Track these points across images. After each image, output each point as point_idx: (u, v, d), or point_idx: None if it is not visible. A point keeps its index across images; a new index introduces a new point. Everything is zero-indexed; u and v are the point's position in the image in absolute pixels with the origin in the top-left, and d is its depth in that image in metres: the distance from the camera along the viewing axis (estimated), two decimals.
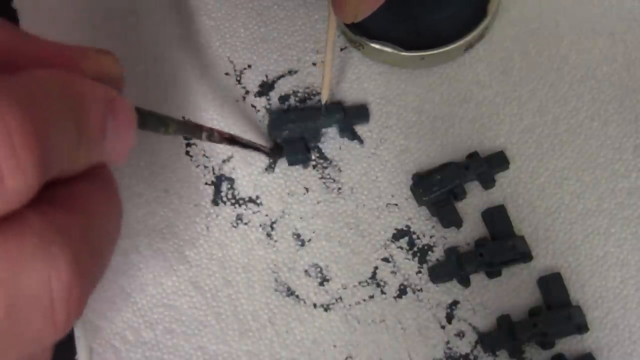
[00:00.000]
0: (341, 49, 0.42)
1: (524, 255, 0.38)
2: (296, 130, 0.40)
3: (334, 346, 0.38)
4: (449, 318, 0.38)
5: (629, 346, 0.37)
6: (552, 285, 0.38)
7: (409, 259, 0.39)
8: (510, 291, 0.38)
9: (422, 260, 0.39)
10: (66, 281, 0.20)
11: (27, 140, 0.19)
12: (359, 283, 0.39)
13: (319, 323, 0.39)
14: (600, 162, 0.40)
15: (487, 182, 0.39)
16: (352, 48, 0.42)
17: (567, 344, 0.37)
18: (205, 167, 0.41)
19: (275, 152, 0.40)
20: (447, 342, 0.38)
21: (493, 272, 0.38)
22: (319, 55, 0.42)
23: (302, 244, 0.40)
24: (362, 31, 0.41)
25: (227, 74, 0.42)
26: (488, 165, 0.39)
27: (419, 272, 0.39)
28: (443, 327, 0.38)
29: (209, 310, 0.39)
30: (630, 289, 0.38)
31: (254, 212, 0.40)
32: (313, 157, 0.41)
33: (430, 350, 0.38)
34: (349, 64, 0.42)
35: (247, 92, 0.42)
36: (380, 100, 0.41)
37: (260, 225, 0.40)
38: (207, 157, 0.41)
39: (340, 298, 0.39)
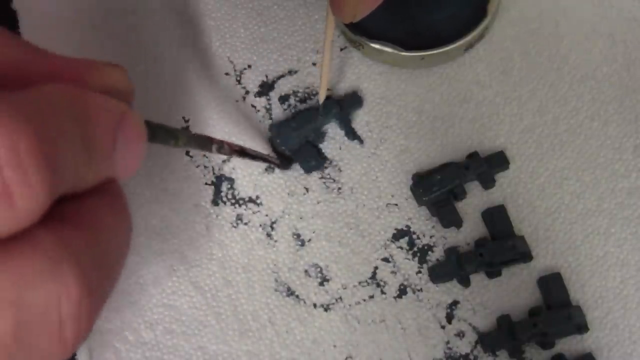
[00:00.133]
0: (341, 49, 0.42)
1: (524, 255, 0.38)
2: (300, 137, 0.40)
3: (334, 346, 0.38)
4: (449, 318, 0.38)
5: (629, 346, 0.37)
6: (552, 285, 0.38)
7: (409, 259, 0.39)
8: (510, 291, 0.38)
9: (422, 260, 0.39)
10: (75, 300, 0.20)
11: (36, 159, 0.19)
12: (359, 283, 0.39)
13: (319, 323, 0.39)
14: (600, 162, 0.40)
15: (487, 182, 0.39)
16: (352, 48, 0.42)
17: (567, 344, 0.37)
18: (205, 167, 0.41)
19: (285, 163, 0.40)
20: (447, 342, 0.38)
21: (493, 272, 0.38)
22: (319, 55, 0.42)
23: (302, 244, 0.40)
24: (362, 31, 0.41)
25: (227, 74, 0.42)
26: (488, 165, 0.39)
27: (419, 272, 0.39)
28: (443, 327, 0.38)
29: (209, 310, 0.39)
30: (630, 289, 0.38)
31: (254, 212, 0.40)
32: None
33: (430, 350, 0.38)
34: (349, 64, 0.42)
35: (247, 92, 0.42)
36: (380, 100, 0.41)
37: (260, 225, 0.40)
38: (207, 157, 0.41)
39: (340, 298, 0.39)
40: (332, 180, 0.40)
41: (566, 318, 0.37)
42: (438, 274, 0.38)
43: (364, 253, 0.39)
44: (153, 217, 0.40)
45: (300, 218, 0.40)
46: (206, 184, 0.41)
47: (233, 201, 0.40)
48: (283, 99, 0.42)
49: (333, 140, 0.41)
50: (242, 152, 0.34)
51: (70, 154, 0.20)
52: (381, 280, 0.39)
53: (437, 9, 0.41)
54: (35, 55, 0.23)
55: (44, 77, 0.23)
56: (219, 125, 0.41)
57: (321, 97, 0.40)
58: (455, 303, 0.38)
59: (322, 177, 0.40)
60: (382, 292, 0.39)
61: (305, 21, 0.43)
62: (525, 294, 0.38)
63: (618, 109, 0.40)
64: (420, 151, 0.40)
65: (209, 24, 0.43)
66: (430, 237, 0.39)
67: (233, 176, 0.41)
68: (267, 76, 0.42)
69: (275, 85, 0.42)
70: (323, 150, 0.41)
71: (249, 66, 0.42)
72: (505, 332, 0.37)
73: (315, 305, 0.39)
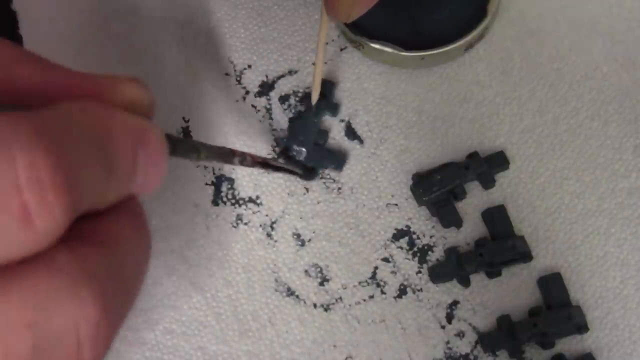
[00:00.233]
0: (341, 49, 0.42)
1: (524, 255, 0.38)
2: (308, 142, 0.40)
3: (334, 346, 0.38)
4: (449, 318, 0.38)
5: (629, 346, 0.37)
6: (552, 285, 0.38)
7: (409, 259, 0.39)
8: (510, 291, 0.38)
9: (422, 260, 0.39)
10: (94, 321, 0.20)
11: (55, 180, 0.18)
12: (359, 283, 0.39)
13: (319, 323, 0.39)
14: (600, 162, 0.40)
15: (487, 182, 0.39)
16: (352, 48, 0.42)
17: (567, 344, 0.37)
18: (205, 167, 0.41)
19: (308, 174, 0.40)
20: (447, 342, 0.38)
21: (493, 272, 0.38)
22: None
23: (302, 244, 0.40)
24: (362, 31, 0.41)
25: (227, 74, 0.42)
26: (488, 165, 0.39)
27: (419, 272, 0.39)
28: (443, 327, 0.38)
29: (209, 311, 0.39)
30: (630, 289, 0.38)
31: (254, 212, 0.40)
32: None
33: (430, 350, 0.38)
34: (348, 64, 0.42)
35: (247, 92, 0.42)
36: (380, 100, 0.41)
37: (260, 225, 0.40)
38: None
39: (340, 298, 0.39)
40: (332, 180, 0.40)
41: (566, 318, 0.37)
42: (438, 274, 0.38)
43: (364, 253, 0.39)
44: (153, 217, 0.40)
45: (300, 218, 0.40)
46: (206, 184, 0.41)
47: (233, 201, 0.40)
48: (283, 99, 0.42)
49: (333, 141, 0.41)
50: (265, 164, 0.34)
51: (91, 173, 0.20)
52: (381, 280, 0.39)
53: (437, 9, 0.41)
54: (53, 72, 0.23)
55: (62, 94, 0.22)
56: (219, 125, 0.41)
57: (314, 98, 0.40)
58: (455, 303, 0.38)
59: (322, 177, 0.40)
60: (382, 292, 0.39)
61: (305, 21, 0.43)
62: (525, 294, 0.38)
63: (618, 109, 0.40)
64: (420, 151, 0.40)
65: (209, 24, 0.43)
66: (430, 237, 0.39)
67: (233, 176, 0.41)
68: (267, 76, 0.42)
69: (276, 85, 0.42)
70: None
71: (249, 66, 0.42)
72: (505, 332, 0.37)
73: (315, 305, 0.39)
